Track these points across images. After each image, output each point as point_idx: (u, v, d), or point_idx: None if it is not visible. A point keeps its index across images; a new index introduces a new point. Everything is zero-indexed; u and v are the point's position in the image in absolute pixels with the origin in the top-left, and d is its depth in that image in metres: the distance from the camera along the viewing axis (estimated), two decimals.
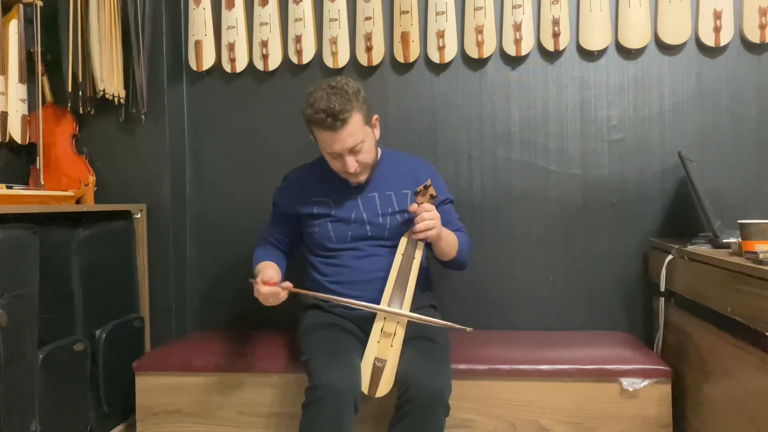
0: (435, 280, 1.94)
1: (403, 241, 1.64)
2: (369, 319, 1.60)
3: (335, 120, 1.53)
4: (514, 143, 2.15)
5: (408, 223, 1.67)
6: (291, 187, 1.80)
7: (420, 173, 1.78)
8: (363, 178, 1.69)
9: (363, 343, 1.58)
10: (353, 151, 1.60)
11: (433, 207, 1.60)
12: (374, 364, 1.50)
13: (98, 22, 2.02)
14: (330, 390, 1.40)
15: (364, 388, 1.48)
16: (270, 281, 1.52)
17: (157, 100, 2.16)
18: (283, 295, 1.54)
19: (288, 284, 1.55)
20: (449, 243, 1.69)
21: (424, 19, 2.15)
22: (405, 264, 1.61)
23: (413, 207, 1.61)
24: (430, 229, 1.57)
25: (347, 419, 1.41)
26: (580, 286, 2.12)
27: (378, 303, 1.58)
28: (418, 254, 1.62)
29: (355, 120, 1.57)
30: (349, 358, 1.50)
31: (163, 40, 2.18)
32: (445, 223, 1.69)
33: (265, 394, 1.77)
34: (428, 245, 1.69)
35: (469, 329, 1.53)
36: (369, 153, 1.65)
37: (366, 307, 1.56)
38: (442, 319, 1.72)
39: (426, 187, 1.60)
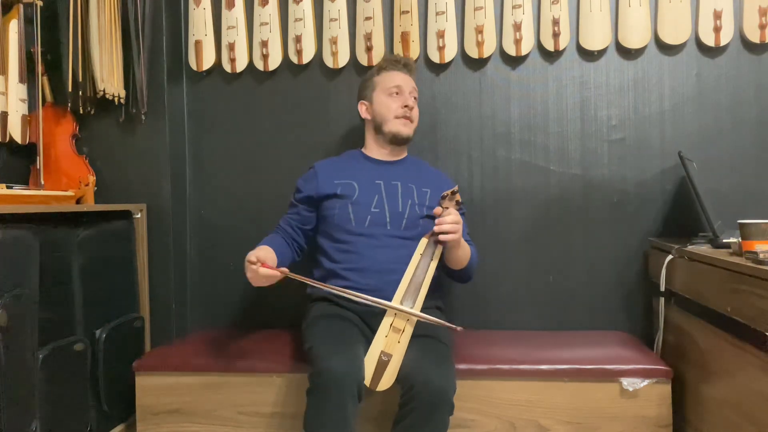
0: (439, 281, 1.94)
1: (423, 242, 1.64)
2: (375, 314, 1.60)
3: (406, 65, 1.90)
4: (514, 143, 2.15)
5: (429, 223, 1.68)
6: (317, 171, 1.84)
7: (442, 185, 1.82)
8: (411, 130, 1.86)
9: (367, 337, 1.59)
10: (413, 96, 1.85)
11: (457, 212, 1.61)
12: (380, 357, 1.49)
13: (98, 22, 2.02)
14: (333, 376, 1.40)
15: (367, 380, 1.47)
16: (265, 263, 1.53)
17: (157, 100, 2.15)
18: (276, 277, 1.54)
19: (285, 269, 1.55)
20: (464, 252, 1.71)
21: (424, 19, 2.15)
22: (422, 265, 1.61)
23: (438, 210, 1.62)
24: (453, 232, 1.58)
25: (351, 406, 1.41)
26: (580, 286, 2.12)
27: (386, 295, 1.58)
28: (436, 257, 1.62)
29: (415, 81, 1.90)
30: (353, 347, 1.51)
31: (163, 40, 2.18)
32: None
33: (265, 394, 1.77)
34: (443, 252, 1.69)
35: (459, 329, 1.54)
36: (417, 113, 1.88)
37: (361, 297, 1.56)
38: (446, 319, 1.74)
39: (453, 193, 1.61)
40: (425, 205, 1.78)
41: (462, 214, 1.83)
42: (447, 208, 1.60)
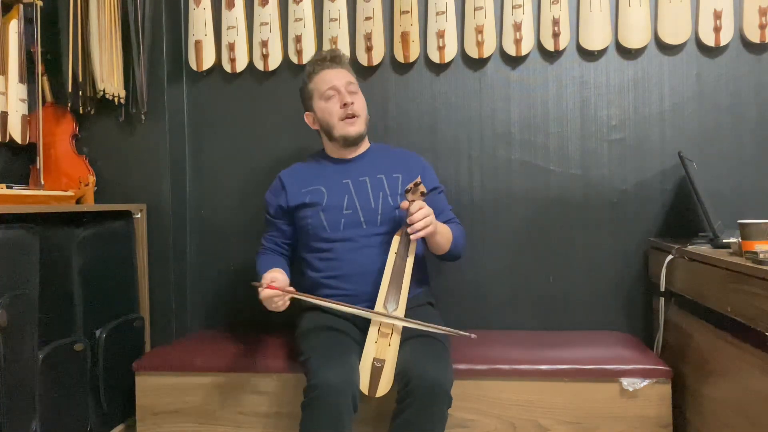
0: (434, 279, 1.94)
1: (396, 239, 1.64)
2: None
3: (334, 60, 1.81)
4: (514, 143, 2.15)
5: (400, 219, 1.68)
6: (284, 183, 1.82)
7: (411, 164, 1.82)
8: (360, 127, 1.78)
9: (360, 343, 1.58)
10: (349, 90, 1.77)
11: (424, 204, 1.60)
12: (373, 364, 1.49)
13: (98, 22, 2.02)
14: (328, 389, 1.40)
15: (364, 388, 1.47)
16: (272, 284, 1.52)
17: (157, 100, 2.16)
18: (286, 300, 1.54)
19: (290, 288, 1.55)
20: (444, 236, 1.70)
21: (424, 19, 2.15)
22: (399, 262, 1.61)
23: (404, 204, 1.61)
24: (425, 227, 1.58)
25: (347, 418, 1.41)
26: (580, 286, 2.12)
27: (373, 296, 1.59)
28: (412, 252, 1.62)
29: (349, 71, 1.83)
30: (346, 356, 1.50)
31: (163, 40, 2.18)
32: (438, 213, 1.69)
33: (265, 394, 1.77)
34: (423, 239, 1.69)
35: (473, 336, 1.54)
36: (361, 103, 1.80)
37: (366, 313, 1.57)
38: (441, 317, 1.74)
39: (416, 185, 1.60)
40: (398, 193, 1.75)
41: (440, 193, 1.83)
42: (413, 201, 1.60)
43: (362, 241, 1.71)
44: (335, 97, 1.76)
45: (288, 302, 1.55)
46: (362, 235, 1.72)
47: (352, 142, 1.79)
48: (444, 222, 1.76)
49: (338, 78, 1.77)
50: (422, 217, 1.57)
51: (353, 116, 1.76)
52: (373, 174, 1.78)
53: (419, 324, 1.55)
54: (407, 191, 1.61)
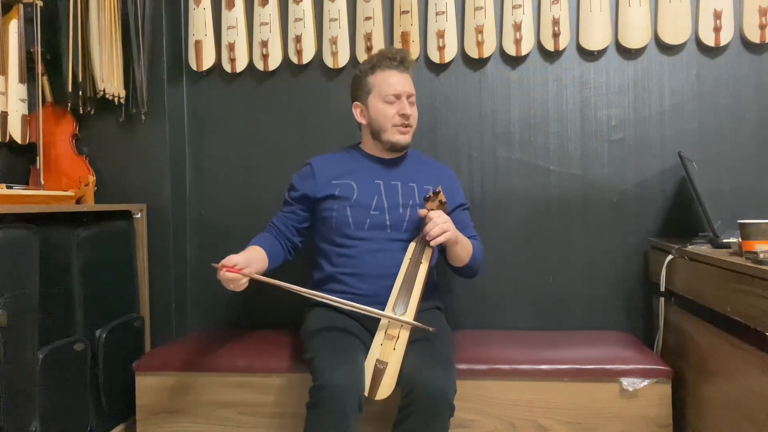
0: (437, 281, 1.93)
1: (412, 245, 1.64)
2: (373, 317, 1.59)
3: (403, 62, 1.75)
4: (514, 143, 2.15)
5: (419, 227, 1.68)
6: (314, 170, 1.78)
7: (443, 178, 1.81)
8: (410, 137, 1.77)
9: (366, 343, 1.58)
10: (410, 100, 1.75)
11: (443, 213, 1.60)
12: (375, 366, 1.49)
13: (98, 22, 2.02)
14: (334, 390, 1.39)
15: (365, 389, 1.47)
16: (233, 267, 1.49)
17: (157, 100, 2.16)
18: (244, 282, 1.51)
19: (248, 270, 1.51)
20: (465, 247, 1.69)
21: (424, 19, 2.15)
22: (412, 268, 1.61)
23: (422, 212, 1.61)
24: (443, 233, 1.57)
25: (352, 419, 1.40)
26: (580, 286, 2.12)
27: (383, 300, 1.59)
28: (426, 259, 1.62)
29: (412, 78, 1.79)
30: (353, 357, 1.50)
31: (163, 40, 2.18)
32: (461, 229, 1.69)
33: (265, 394, 1.77)
34: (442, 249, 1.68)
35: (431, 329, 1.53)
36: (416, 115, 1.79)
37: (348, 305, 1.56)
38: (446, 318, 1.73)
39: (436, 194, 1.61)
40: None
41: (465, 210, 1.83)
42: (432, 209, 1.60)
43: (384, 243, 1.70)
44: (396, 104, 1.73)
45: (245, 284, 1.51)
46: (385, 238, 1.70)
47: (399, 149, 1.78)
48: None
49: (403, 85, 1.74)
50: (441, 222, 1.57)
51: (408, 126, 1.75)
52: (406, 181, 1.77)
53: (393, 317, 1.54)
54: (426, 199, 1.61)
